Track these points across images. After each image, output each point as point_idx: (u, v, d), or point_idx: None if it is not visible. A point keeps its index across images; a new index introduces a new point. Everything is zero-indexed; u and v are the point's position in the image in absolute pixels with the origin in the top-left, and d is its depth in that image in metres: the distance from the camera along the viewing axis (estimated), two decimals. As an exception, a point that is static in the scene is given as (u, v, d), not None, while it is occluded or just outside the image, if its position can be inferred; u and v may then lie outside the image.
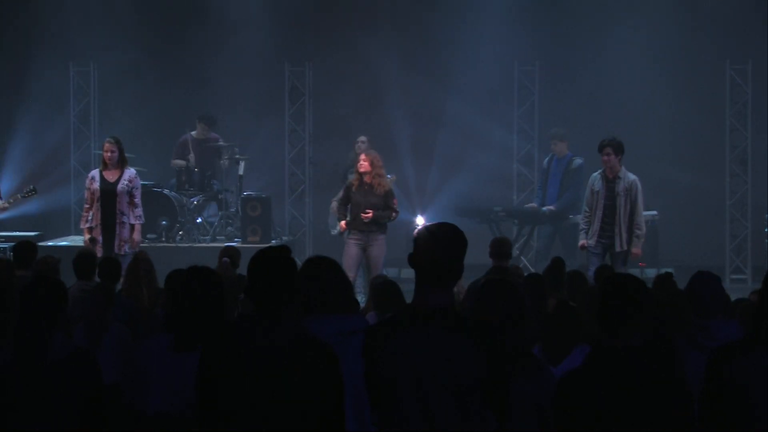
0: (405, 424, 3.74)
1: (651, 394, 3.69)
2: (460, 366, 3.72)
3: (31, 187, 11.87)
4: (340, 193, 12.72)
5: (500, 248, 8.30)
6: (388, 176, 11.51)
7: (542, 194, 13.11)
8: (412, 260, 3.87)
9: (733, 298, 5.93)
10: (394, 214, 10.67)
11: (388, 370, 3.77)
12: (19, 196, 11.87)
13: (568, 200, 12.72)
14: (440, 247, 3.83)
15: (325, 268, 4.48)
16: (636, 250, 10.29)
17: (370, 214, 10.44)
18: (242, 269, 7.95)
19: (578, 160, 12.74)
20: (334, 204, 12.99)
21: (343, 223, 10.77)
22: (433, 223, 4.01)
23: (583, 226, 10.56)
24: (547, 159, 13.25)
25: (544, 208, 12.84)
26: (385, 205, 10.58)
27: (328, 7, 15.54)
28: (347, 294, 4.50)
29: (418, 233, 3.94)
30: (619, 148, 10.31)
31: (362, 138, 12.75)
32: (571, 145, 12.99)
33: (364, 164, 10.60)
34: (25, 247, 8.20)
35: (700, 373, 4.11)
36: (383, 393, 3.79)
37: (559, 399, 3.81)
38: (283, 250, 3.93)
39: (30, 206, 14.60)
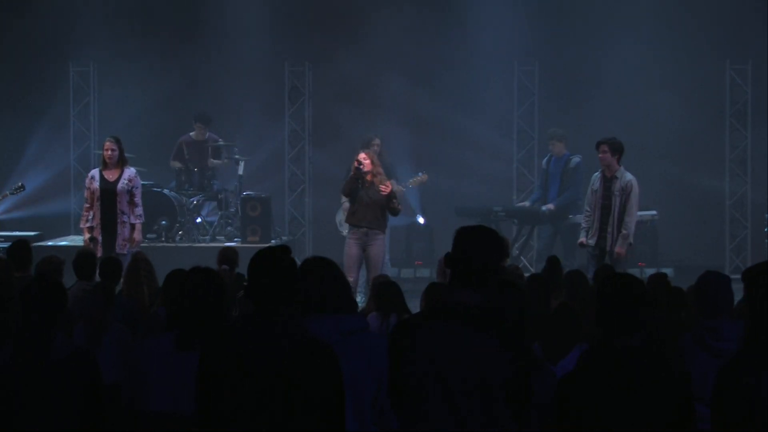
0: (431, 423, 3.74)
1: (650, 394, 3.69)
2: (485, 365, 3.72)
3: (20, 183, 11.87)
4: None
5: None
6: (420, 174, 11.53)
7: (542, 194, 13.09)
8: (447, 259, 3.90)
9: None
10: (400, 207, 10.74)
11: (413, 367, 3.78)
12: (7, 192, 11.88)
13: (567, 198, 12.70)
14: (470, 247, 3.86)
15: (323, 269, 4.48)
16: (619, 249, 10.10)
17: (389, 187, 10.43)
18: (242, 269, 7.95)
19: (576, 159, 12.72)
20: (346, 204, 12.94)
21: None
22: (473, 225, 4.04)
23: (584, 225, 10.57)
24: (545, 159, 13.22)
25: (544, 208, 12.83)
26: (388, 201, 10.59)
27: (328, 7, 15.54)
28: (346, 294, 4.50)
29: (455, 232, 3.97)
30: (615, 148, 10.27)
31: (377, 141, 12.46)
32: (570, 146, 12.98)
33: (366, 162, 10.60)
34: (19, 247, 8.10)
35: (708, 374, 4.07)
36: (408, 391, 3.79)
37: (559, 399, 3.81)
38: (283, 250, 3.93)
39: (29, 206, 14.60)
